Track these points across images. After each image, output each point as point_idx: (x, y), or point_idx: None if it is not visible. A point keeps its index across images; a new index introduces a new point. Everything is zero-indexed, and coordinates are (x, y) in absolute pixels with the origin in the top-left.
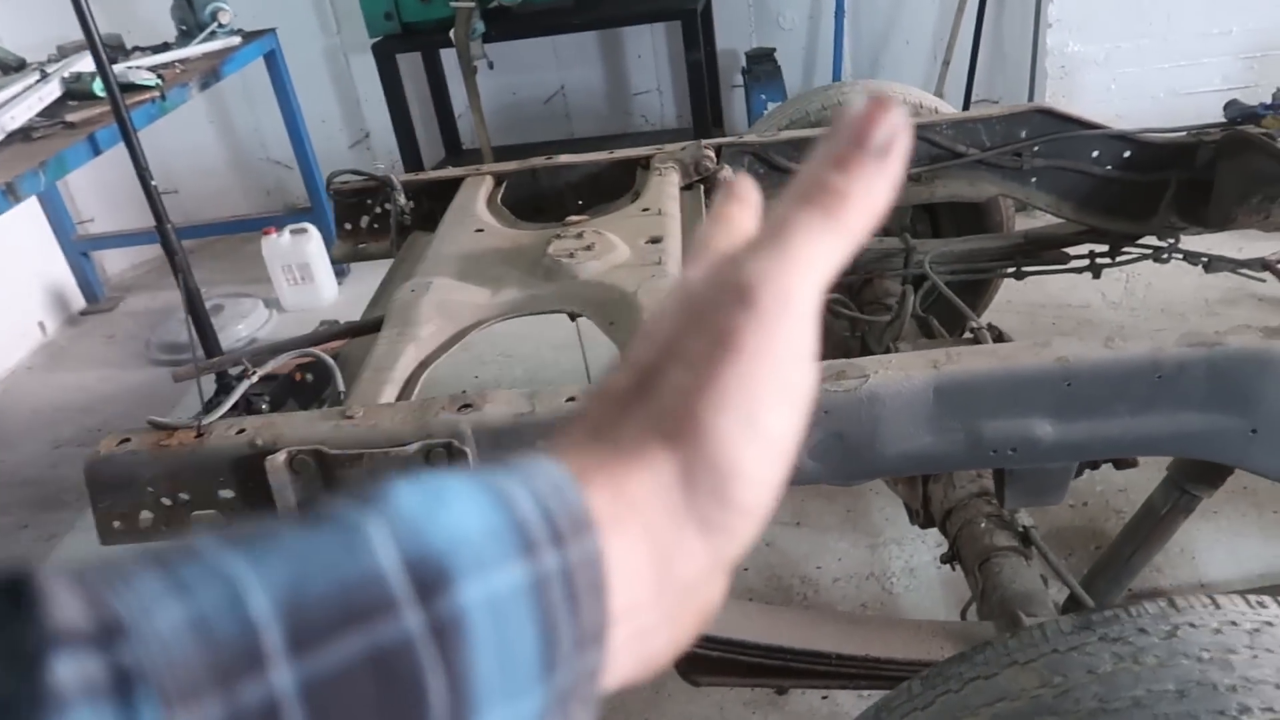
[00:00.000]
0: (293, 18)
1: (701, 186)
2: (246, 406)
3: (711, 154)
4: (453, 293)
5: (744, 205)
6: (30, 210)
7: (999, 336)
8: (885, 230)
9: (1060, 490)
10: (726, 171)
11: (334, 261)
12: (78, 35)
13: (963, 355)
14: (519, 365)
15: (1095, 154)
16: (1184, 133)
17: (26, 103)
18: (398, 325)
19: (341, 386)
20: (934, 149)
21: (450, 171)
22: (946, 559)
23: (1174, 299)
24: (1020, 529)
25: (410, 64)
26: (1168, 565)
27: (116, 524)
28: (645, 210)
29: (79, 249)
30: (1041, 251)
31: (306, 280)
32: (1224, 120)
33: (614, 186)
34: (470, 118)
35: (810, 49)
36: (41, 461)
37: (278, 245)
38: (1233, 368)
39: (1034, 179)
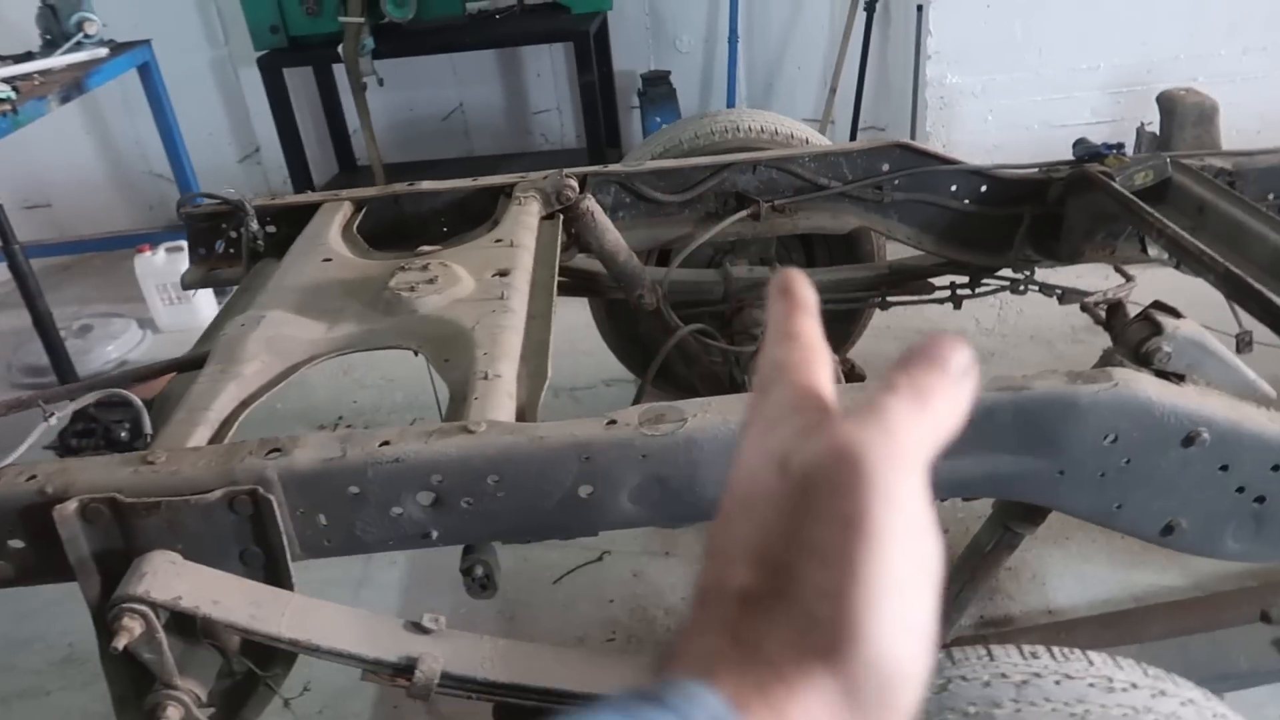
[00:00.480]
0: (177, 27)
1: (561, 216)
2: (106, 438)
3: (574, 183)
4: (285, 327)
5: (804, 312)
6: None
7: (850, 370)
8: (759, 260)
9: None
10: (589, 201)
11: (184, 287)
12: None
13: None
14: (399, 389)
15: (953, 189)
16: (1036, 169)
17: None
18: (221, 362)
19: (149, 429)
20: (797, 181)
21: (307, 196)
22: None
23: (1043, 326)
24: None
25: (302, 78)
26: (1019, 591)
27: None
28: (498, 241)
29: None
30: (907, 282)
31: (184, 300)
32: (1073, 158)
33: (479, 213)
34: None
35: (706, 72)
36: None
37: (152, 264)
38: (1039, 411)
39: (895, 212)
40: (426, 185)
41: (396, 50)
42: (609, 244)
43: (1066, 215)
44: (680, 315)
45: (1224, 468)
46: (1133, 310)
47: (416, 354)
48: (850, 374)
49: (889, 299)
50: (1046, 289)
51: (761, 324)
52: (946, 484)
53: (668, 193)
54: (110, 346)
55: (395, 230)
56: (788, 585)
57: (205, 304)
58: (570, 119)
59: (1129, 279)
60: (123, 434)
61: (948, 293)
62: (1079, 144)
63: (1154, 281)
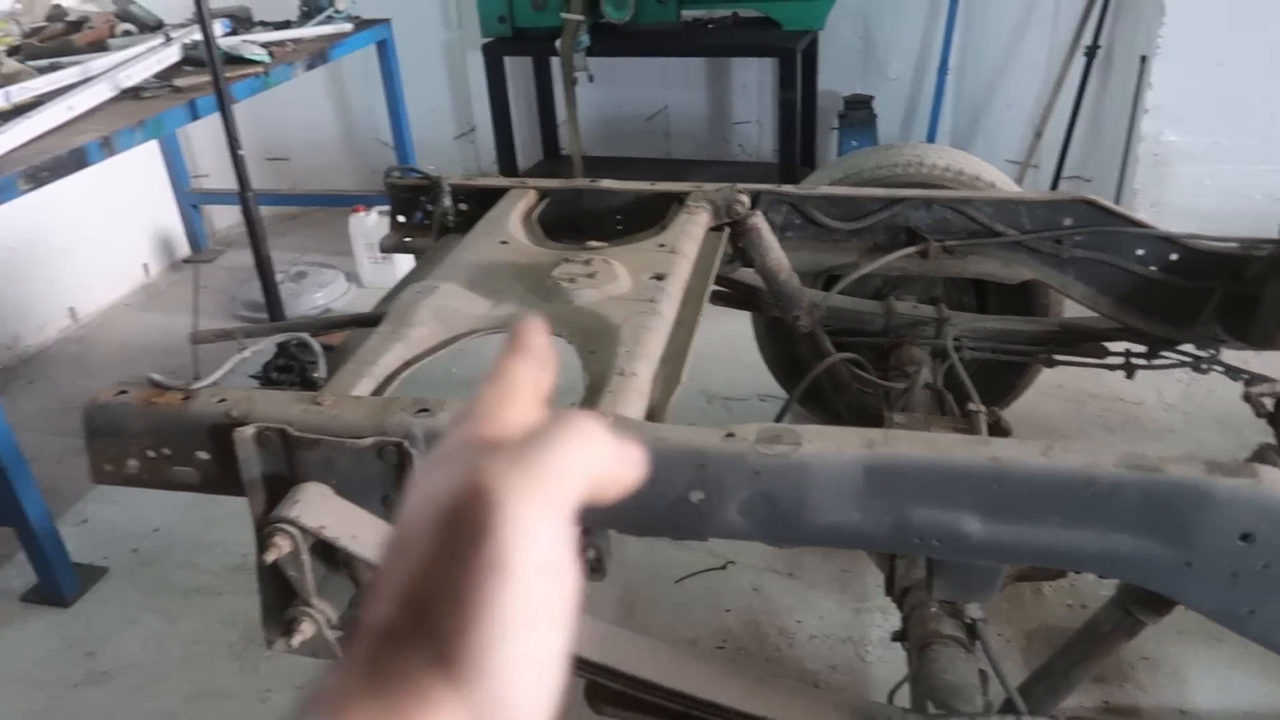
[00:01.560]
0: (419, 9)
1: (728, 230)
2: (300, 375)
3: (745, 199)
4: (454, 299)
5: (521, 356)
6: (153, 160)
7: (996, 423)
8: (926, 298)
9: (988, 589)
10: (758, 217)
11: (381, 250)
12: (219, 4)
13: (899, 439)
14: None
15: (1140, 253)
16: (1235, 243)
17: (144, 64)
18: (393, 324)
19: (323, 372)
20: (972, 224)
21: (497, 180)
22: (896, 637)
23: (1234, 411)
24: (968, 620)
25: (521, 66)
26: (1153, 684)
27: (107, 467)
28: (661, 246)
29: (191, 201)
30: (1078, 342)
31: (385, 260)
32: (1279, 236)
33: (652, 216)
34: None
35: (912, 101)
36: None
37: (364, 223)
38: (1169, 497)
39: (1073, 269)
40: (607, 183)
41: (610, 49)
42: (771, 261)
43: (1264, 296)
44: (837, 342)
45: None
46: None
47: (568, 342)
48: (995, 427)
49: (1056, 357)
50: (1232, 372)
51: (916, 361)
52: (1062, 555)
53: (838, 219)
54: (319, 294)
55: (573, 222)
56: (424, 621)
57: (403, 266)
58: (769, 133)
59: None
60: (315, 374)
61: (1121, 360)
62: None
63: None
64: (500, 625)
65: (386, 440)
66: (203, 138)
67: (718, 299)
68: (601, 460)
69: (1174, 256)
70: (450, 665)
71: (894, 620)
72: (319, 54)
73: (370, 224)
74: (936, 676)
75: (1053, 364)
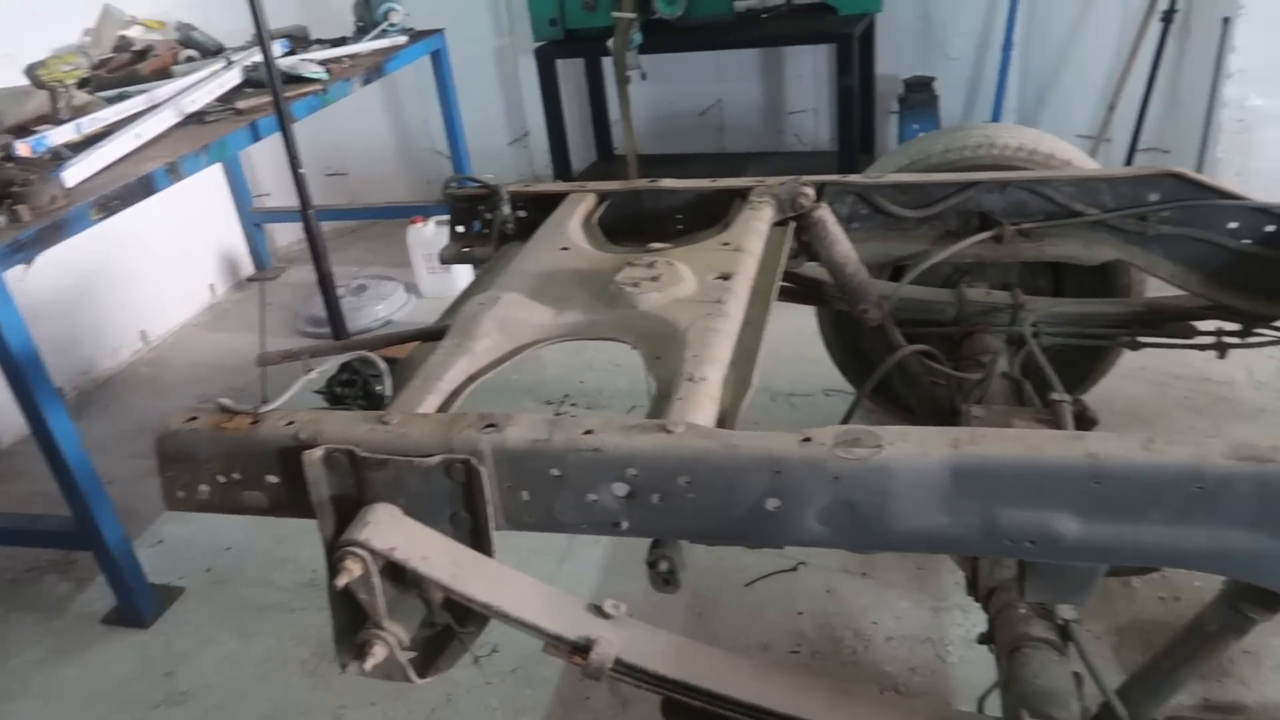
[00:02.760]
0: (470, 18)
1: (793, 224)
2: (364, 390)
3: (810, 191)
4: (517, 309)
5: None
6: (216, 182)
7: (1082, 413)
8: (1000, 284)
9: (1085, 591)
10: (824, 209)
11: (441, 262)
12: (277, 24)
13: (986, 437)
14: (624, 375)
15: (1232, 225)
16: None
17: (207, 88)
18: (457, 337)
19: (389, 390)
20: (1050, 205)
21: (555, 186)
22: (983, 640)
23: None
24: (1060, 621)
25: (573, 68)
26: (1256, 679)
27: (180, 493)
28: (725, 244)
29: (254, 220)
30: (1164, 323)
31: (445, 270)
32: None
33: (714, 212)
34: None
35: (974, 80)
36: None
37: (421, 234)
38: None
39: (1159, 247)
40: (667, 183)
41: (663, 46)
42: (838, 255)
43: None
44: (907, 334)
45: None
46: None
47: (633, 348)
48: (1081, 416)
49: (1141, 339)
50: None
51: (991, 350)
52: (1168, 554)
53: (907, 207)
54: (379, 306)
55: (634, 224)
56: None
57: (463, 276)
58: (826, 121)
59: None
60: (378, 388)
61: (1212, 339)
62: None
63: None
64: None
65: (454, 457)
66: (263, 157)
67: (783, 294)
68: None
69: (1270, 228)
70: None
71: (974, 618)
72: (375, 68)
73: (428, 235)
74: (1029, 682)
75: (1137, 346)
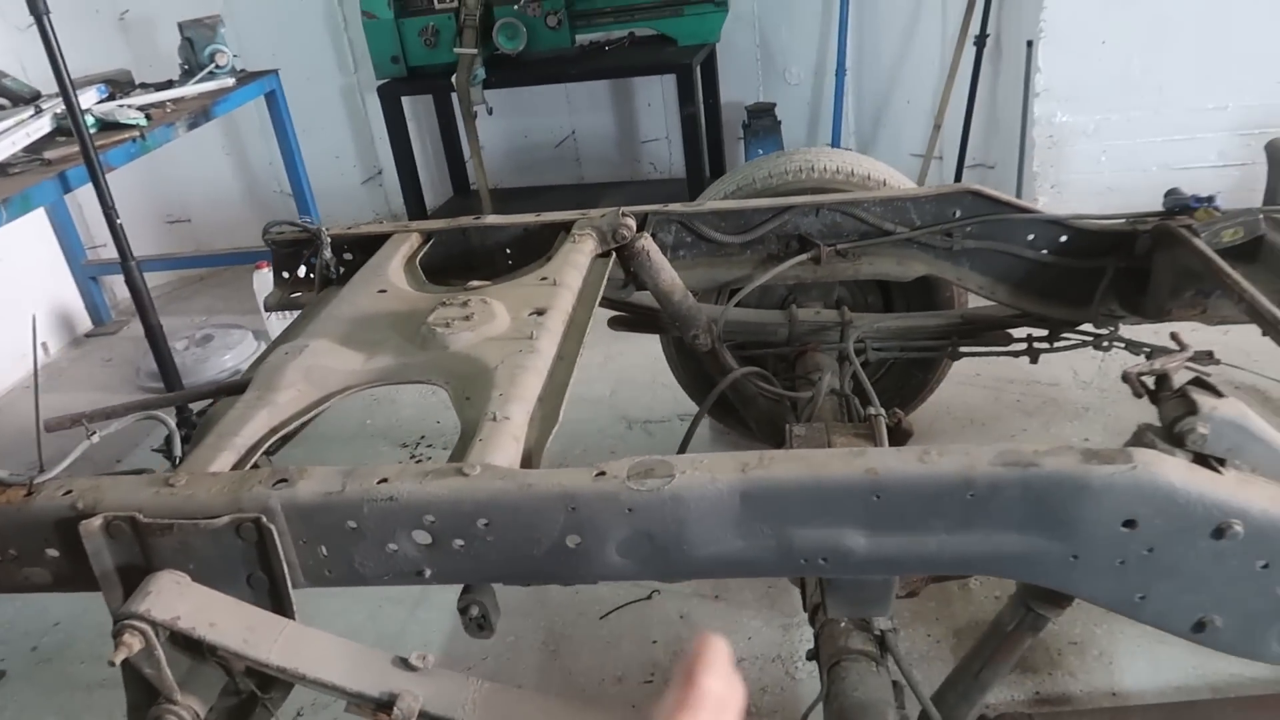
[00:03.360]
0: (313, 56)
1: (614, 255)
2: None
3: (631, 223)
4: (325, 357)
5: (705, 667)
6: (44, 234)
7: (898, 425)
8: (834, 302)
9: (883, 603)
10: (646, 239)
11: (266, 309)
12: (101, 68)
13: (774, 460)
14: None
15: (1030, 237)
16: (1121, 220)
17: (13, 138)
18: (259, 389)
19: (178, 450)
20: (862, 225)
21: (379, 227)
22: (810, 656)
23: None
24: (877, 632)
25: (425, 105)
26: (1082, 669)
27: None
28: (543, 280)
29: (88, 273)
30: (981, 332)
31: (293, 315)
32: (1162, 209)
33: (542, 247)
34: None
35: (815, 105)
36: None
37: (267, 279)
38: (1048, 491)
39: (966, 260)
40: (492, 219)
41: (508, 80)
42: (664, 283)
43: (1153, 270)
44: (744, 355)
45: (1265, 565)
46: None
47: (444, 389)
48: (896, 430)
49: (961, 349)
50: (1133, 346)
51: (822, 368)
52: (950, 561)
53: (729, 233)
54: (227, 355)
55: (464, 262)
56: None
57: None
58: (678, 148)
59: (1182, 347)
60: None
61: (1023, 345)
62: (1170, 195)
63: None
64: None
65: (243, 517)
66: (94, 208)
67: (619, 324)
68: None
69: (1064, 238)
70: None
71: None
72: (201, 112)
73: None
74: (846, 695)
75: (958, 356)
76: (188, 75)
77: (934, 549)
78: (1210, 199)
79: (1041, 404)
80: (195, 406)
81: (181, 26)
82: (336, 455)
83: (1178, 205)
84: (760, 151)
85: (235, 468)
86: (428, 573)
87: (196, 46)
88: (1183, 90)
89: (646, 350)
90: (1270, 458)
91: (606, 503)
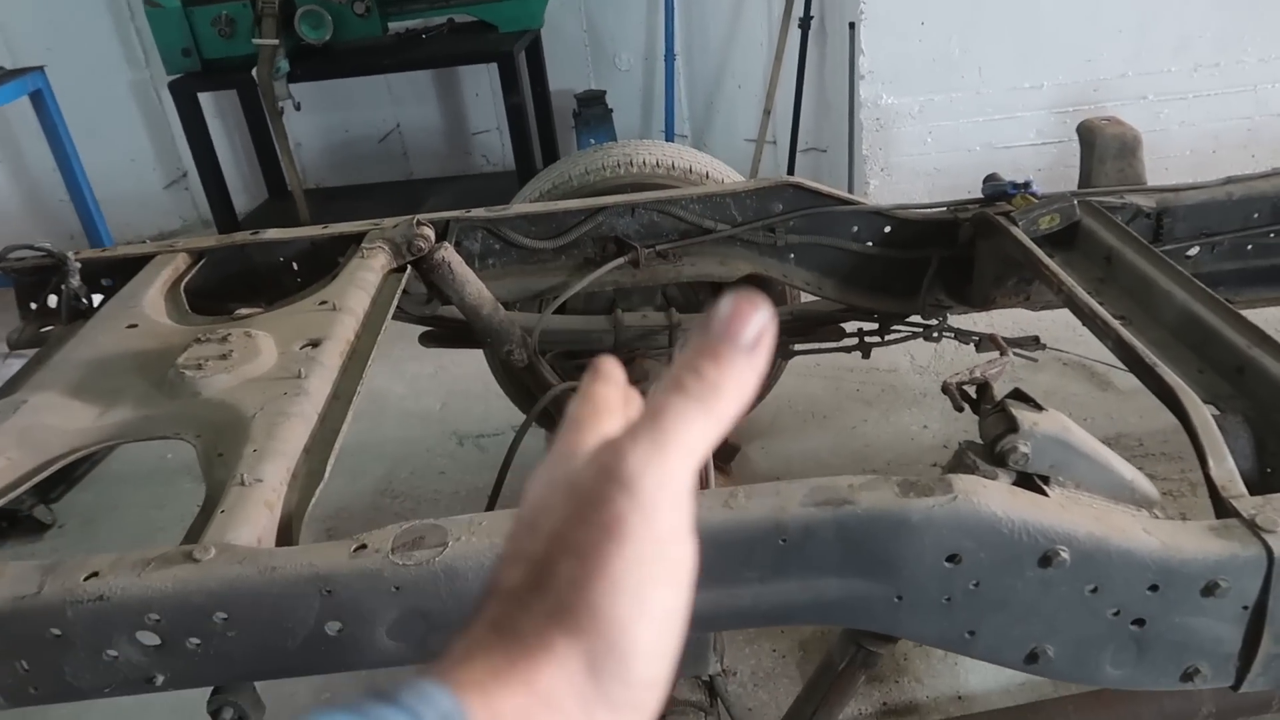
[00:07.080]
0: (97, 49)
1: (408, 270)
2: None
3: (429, 232)
4: (47, 414)
5: (610, 383)
6: None
7: (724, 443)
8: (662, 305)
9: (702, 661)
10: (447, 250)
11: (10, 348)
12: None
13: None
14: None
15: (855, 229)
16: (943, 209)
17: None
18: None
19: None
20: (682, 224)
21: (138, 248)
22: None
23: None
24: (705, 679)
25: (228, 101)
26: (928, 674)
27: None
28: (322, 304)
29: None
30: (813, 329)
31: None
32: (981, 197)
33: (332, 262)
34: (301, 157)
35: (647, 92)
36: None
37: None
38: (865, 531)
39: (791, 256)
40: (272, 233)
41: (316, 73)
42: (470, 296)
43: (976, 259)
44: (571, 365)
45: (1094, 589)
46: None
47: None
48: (723, 446)
49: (794, 348)
50: (962, 335)
51: (652, 375)
52: (768, 613)
53: (540, 238)
54: None
55: (244, 283)
56: (546, 578)
57: None
58: (510, 139)
59: (1003, 352)
60: None
61: (855, 340)
62: (988, 180)
63: None
64: (617, 581)
65: None
66: None
67: (432, 340)
68: (713, 433)
69: (887, 229)
70: (568, 616)
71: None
72: None
73: None
74: None
75: (790, 354)
76: None
77: (749, 602)
78: (1027, 184)
79: (880, 392)
80: None
81: None
82: (131, 497)
83: (996, 192)
84: (592, 141)
85: None
86: (159, 679)
87: None
88: (1001, 70)
89: (481, 359)
90: (1093, 471)
91: (368, 582)
